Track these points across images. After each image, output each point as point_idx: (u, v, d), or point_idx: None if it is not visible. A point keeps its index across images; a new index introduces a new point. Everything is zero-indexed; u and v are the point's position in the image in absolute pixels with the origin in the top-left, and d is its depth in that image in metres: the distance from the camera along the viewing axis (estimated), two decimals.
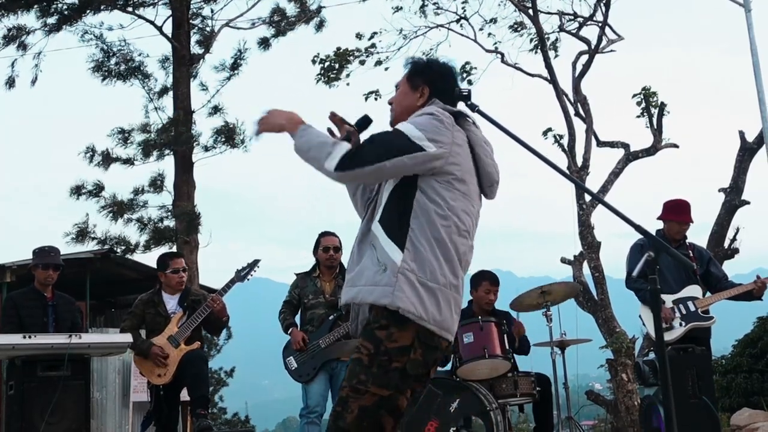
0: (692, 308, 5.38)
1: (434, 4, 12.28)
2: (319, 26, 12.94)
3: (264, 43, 12.77)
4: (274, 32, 12.75)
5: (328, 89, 12.61)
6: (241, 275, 5.62)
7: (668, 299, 5.40)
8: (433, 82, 2.72)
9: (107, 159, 11.80)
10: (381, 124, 2.70)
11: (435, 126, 2.52)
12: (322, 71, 12.35)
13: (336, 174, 2.48)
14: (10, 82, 12.68)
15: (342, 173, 2.47)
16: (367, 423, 2.35)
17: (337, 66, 12.31)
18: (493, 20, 12.35)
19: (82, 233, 11.53)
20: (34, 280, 5.67)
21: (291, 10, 12.81)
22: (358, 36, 12.54)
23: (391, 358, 2.38)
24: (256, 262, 5.67)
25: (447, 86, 2.72)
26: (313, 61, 12.41)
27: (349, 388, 2.38)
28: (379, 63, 12.51)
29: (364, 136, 2.64)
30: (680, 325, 5.34)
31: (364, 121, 2.73)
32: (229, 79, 12.33)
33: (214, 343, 15.19)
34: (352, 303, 2.56)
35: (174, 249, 11.30)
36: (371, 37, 12.47)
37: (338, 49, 12.43)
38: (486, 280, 5.66)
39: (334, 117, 2.72)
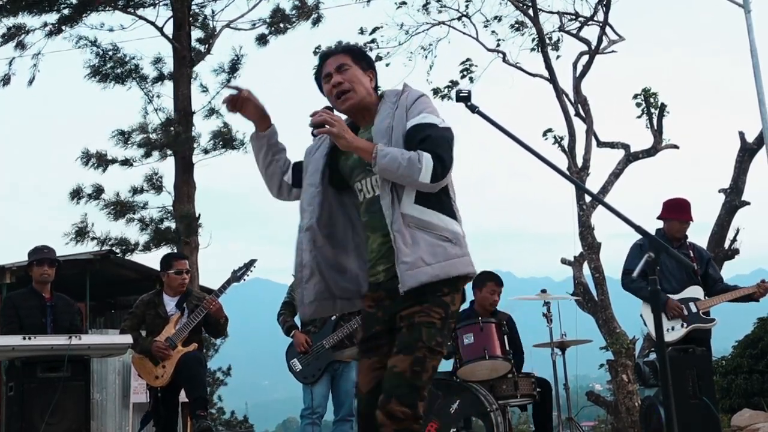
0: (694, 309, 5.37)
1: (439, 3, 12.28)
2: (316, 22, 12.94)
3: (262, 39, 12.77)
4: (274, 31, 12.76)
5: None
6: (237, 275, 5.61)
7: (673, 299, 5.39)
8: (374, 66, 2.88)
9: (104, 161, 11.79)
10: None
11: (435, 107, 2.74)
12: None
13: (431, 185, 2.59)
14: (6, 80, 12.67)
15: (436, 183, 2.59)
16: (430, 380, 2.56)
17: None
18: (497, 18, 12.35)
19: (81, 233, 11.53)
20: (32, 281, 5.67)
21: (290, 7, 12.83)
22: (361, 31, 12.54)
23: (452, 320, 2.62)
24: (252, 262, 5.67)
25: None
26: (315, 53, 12.40)
27: (427, 349, 2.51)
28: (379, 58, 12.51)
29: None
30: (682, 326, 5.34)
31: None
32: (228, 81, 12.33)
33: (212, 343, 15.18)
34: (423, 283, 2.57)
35: (176, 250, 11.30)
36: (373, 32, 12.46)
37: (339, 43, 12.42)
38: (491, 281, 5.66)
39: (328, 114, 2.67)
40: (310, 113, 2.65)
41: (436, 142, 2.60)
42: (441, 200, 2.64)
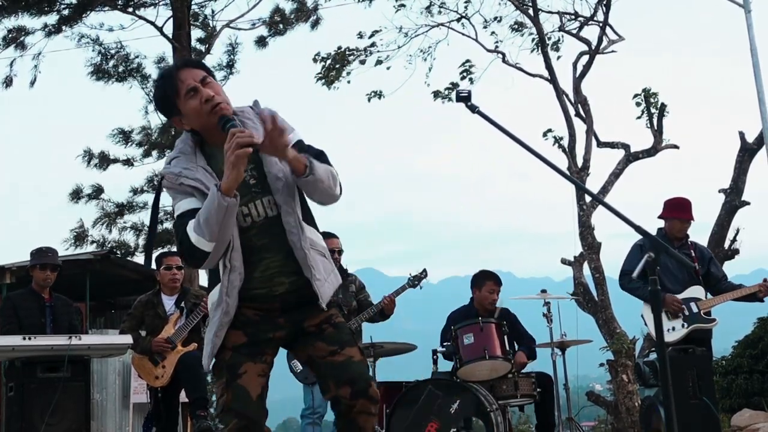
0: (695, 310, 5.37)
1: (441, 5, 12.27)
2: (315, 24, 12.94)
3: (261, 41, 12.78)
4: (273, 32, 12.77)
5: (327, 90, 12.59)
6: None
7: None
8: None
9: (105, 160, 11.81)
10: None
11: None
12: (323, 70, 12.33)
13: (337, 199, 2.68)
14: (8, 82, 12.69)
15: (340, 197, 2.69)
16: None
17: (337, 66, 12.28)
18: (497, 19, 12.34)
19: (80, 237, 11.54)
20: (32, 282, 5.67)
21: (289, 8, 12.83)
22: (360, 35, 12.53)
23: None
24: None
25: None
26: (314, 60, 12.40)
27: (358, 341, 2.80)
28: (379, 62, 12.51)
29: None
30: (683, 326, 5.33)
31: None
32: (226, 78, 12.34)
33: None
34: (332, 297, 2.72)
35: (173, 250, 11.30)
36: (372, 36, 12.46)
37: (339, 48, 12.42)
38: (490, 280, 5.67)
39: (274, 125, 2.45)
40: (234, 137, 2.38)
41: (327, 158, 2.66)
42: (313, 216, 2.72)
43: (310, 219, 2.69)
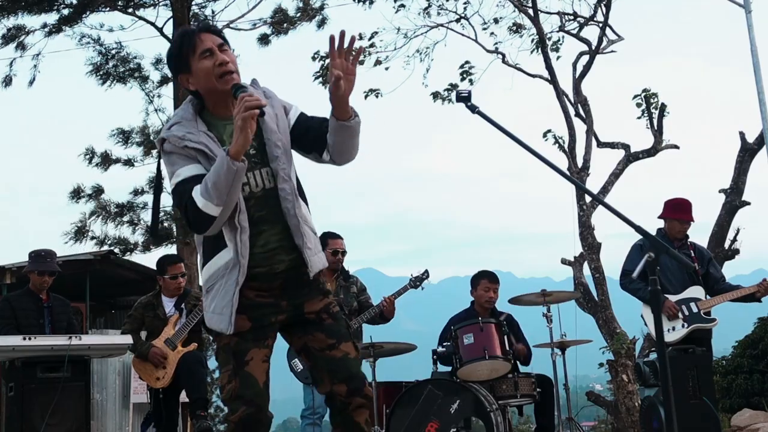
0: (695, 310, 5.38)
1: (439, 6, 12.26)
2: (321, 24, 12.94)
3: (263, 39, 12.78)
4: (275, 31, 12.77)
5: (325, 90, 12.58)
6: None
7: (671, 300, 5.40)
8: None
9: (107, 160, 11.81)
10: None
11: None
12: (322, 69, 12.33)
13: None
14: (7, 81, 12.69)
15: None
16: None
17: None
18: (496, 20, 12.34)
19: (81, 232, 11.53)
20: (29, 282, 5.68)
21: (293, 8, 12.83)
22: (360, 37, 12.53)
23: None
24: None
25: None
26: (313, 58, 12.40)
27: (352, 335, 2.74)
28: (378, 63, 12.51)
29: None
30: (683, 326, 5.34)
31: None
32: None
33: (212, 343, 15.17)
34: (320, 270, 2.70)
35: (175, 250, 11.29)
36: (371, 37, 12.46)
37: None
38: (484, 278, 5.67)
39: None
40: (249, 98, 2.40)
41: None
42: (305, 196, 2.71)
43: (303, 196, 2.68)
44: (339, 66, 2.49)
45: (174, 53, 2.64)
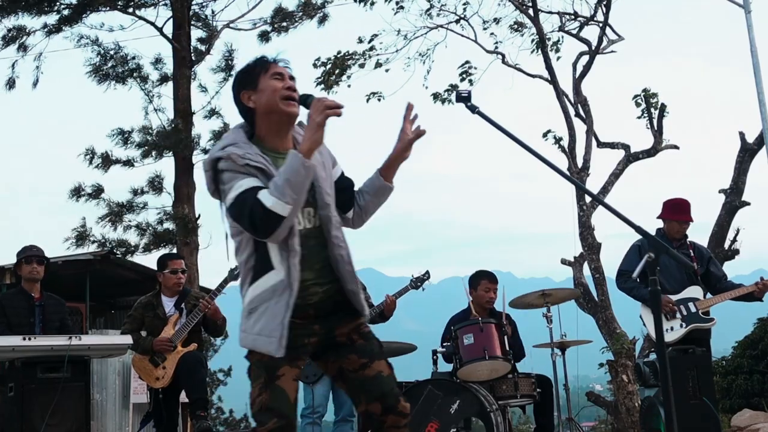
0: (693, 309, 5.37)
1: (440, 7, 12.26)
2: (322, 21, 12.93)
3: (264, 36, 12.77)
4: (276, 29, 12.77)
5: (327, 94, 12.58)
6: (235, 274, 5.60)
7: (669, 298, 5.39)
8: None
9: (107, 160, 11.81)
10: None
11: None
12: (323, 75, 12.33)
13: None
14: (11, 84, 12.70)
15: None
16: None
17: (337, 71, 12.28)
18: (496, 20, 12.34)
19: (82, 237, 11.54)
20: (21, 281, 5.66)
21: (293, 6, 12.83)
22: (360, 40, 12.53)
23: None
24: None
25: None
26: (315, 65, 12.40)
27: (384, 352, 2.76)
28: (379, 65, 12.51)
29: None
30: (681, 326, 5.34)
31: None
32: (225, 80, 12.34)
33: (212, 343, 15.18)
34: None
35: (174, 251, 11.30)
36: (371, 40, 12.46)
37: (338, 53, 12.41)
38: (484, 278, 5.67)
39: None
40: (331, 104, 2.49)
41: None
42: None
43: None
44: (408, 132, 2.67)
45: (245, 70, 2.69)
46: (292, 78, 2.65)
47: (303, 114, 2.60)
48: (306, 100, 2.54)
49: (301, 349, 2.63)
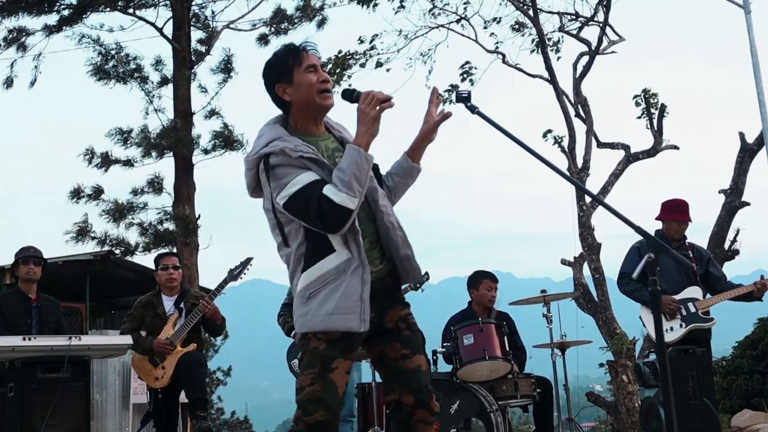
0: (693, 309, 5.37)
1: (442, 6, 12.26)
2: (321, 24, 12.93)
3: (263, 39, 12.77)
4: (275, 31, 12.77)
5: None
6: (234, 274, 5.61)
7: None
8: None
9: (107, 160, 11.81)
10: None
11: None
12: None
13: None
14: (8, 83, 12.69)
15: None
16: None
17: (338, 71, 12.28)
18: (496, 20, 12.34)
19: (82, 232, 11.53)
20: (18, 282, 5.66)
21: (292, 8, 12.82)
22: (361, 40, 12.53)
23: None
24: (248, 260, 5.65)
25: None
26: None
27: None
28: (379, 65, 12.51)
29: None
30: (681, 326, 5.33)
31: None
32: (225, 81, 12.34)
33: (212, 343, 15.18)
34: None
35: (174, 251, 11.29)
36: (372, 40, 12.46)
37: (339, 52, 12.41)
38: (486, 278, 5.68)
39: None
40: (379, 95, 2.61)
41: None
42: None
43: None
44: (433, 114, 2.74)
45: (277, 63, 2.71)
46: (323, 66, 2.73)
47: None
48: (352, 95, 2.62)
49: (354, 339, 2.63)
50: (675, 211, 5.57)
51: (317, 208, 2.50)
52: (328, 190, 2.49)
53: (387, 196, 2.80)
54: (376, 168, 2.79)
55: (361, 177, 2.50)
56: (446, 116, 2.73)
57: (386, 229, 2.67)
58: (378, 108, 2.54)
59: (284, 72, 2.67)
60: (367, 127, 2.54)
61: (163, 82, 12.39)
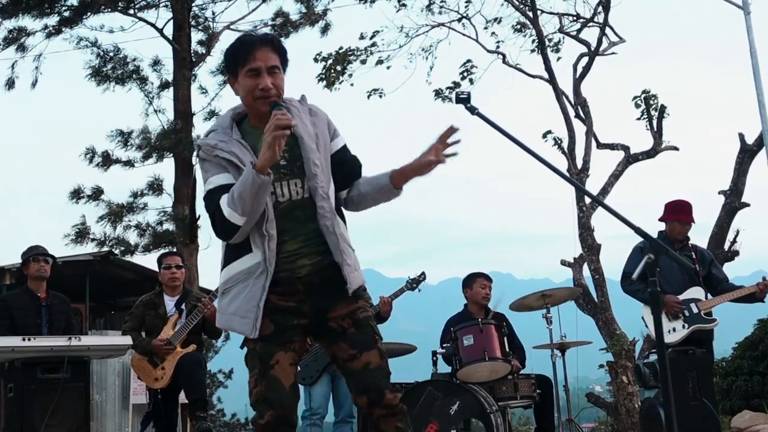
0: (695, 310, 5.37)
1: (441, 3, 12.27)
2: (325, 30, 12.95)
3: None
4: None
5: (329, 92, 12.59)
6: None
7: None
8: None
9: (107, 161, 11.81)
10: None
11: None
12: (324, 71, 12.33)
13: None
14: (10, 84, 12.71)
15: None
16: None
17: (338, 68, 12.28)
18: (497, 20, 12.35)
19: (81, 234, 11.54)
20: (27, 281, 5.65)
21: (295, 12, 12.83)
22: (362, 37, 12.54)
23: None
24: None
25: None
26: (315, 60, 12.40)
27: (380, 339, 2.71)
28: (380, 62, 12.51)
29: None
30: (683, 327, 5.33)
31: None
32: (225, 82, 12.34)
33: (212, 344, 15.17)
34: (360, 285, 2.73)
35: (174, 251, 11.29)
36: (373, 36, 12.46)
37: (340, 48, 12.41)
38: (480, 277, 5.73)
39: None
40: (277, 114, 2.49)
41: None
42: (344, 214, 2.78)
43: (341, 214, 2.76)
44: (438, 152, 2.63)
45: (228, 57, 2.70)
46: (272, 69, 2.60)
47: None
48: (272, 108, 2.54)
49: (291, 331, 2.61)
50: (678, 212, 5.57)
51: (212, 215, 2.58)
52: (222, 201, 2.54)
53: (348, 199, 2.77)
54: (344, 165, 2.72)
55: (246, 197, 2.46)
56: (442, 161, 2.64)
57: (322, 232, 2.63)
58: (272, 136, 2.43)
59: (232, 67, 2.67)
60: (264, 150, 2.46)
61: (164, 86, 12.39)
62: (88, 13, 12.23)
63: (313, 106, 2.77)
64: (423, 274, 5.67)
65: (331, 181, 2.69)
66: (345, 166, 2.75)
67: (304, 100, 2.76)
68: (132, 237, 11.84)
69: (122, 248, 11.67)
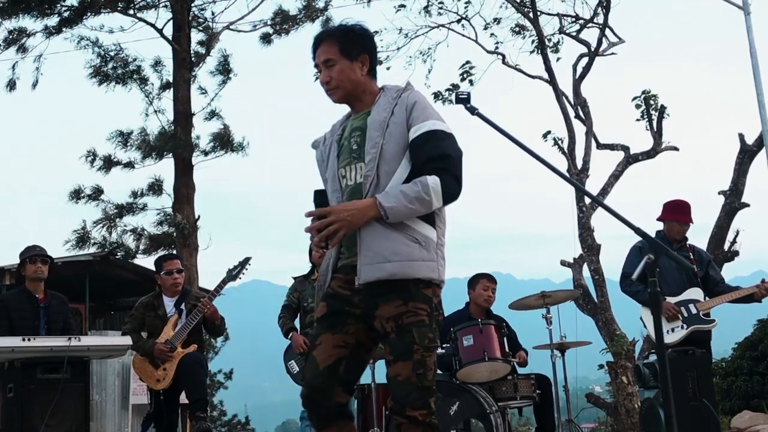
0: (694, 311, 5.37)
1: (439, 4, 12.28)
2: (326, 24, 12.94)
3: (265, 38, 12.78)
4: (277, 31, 12.77)
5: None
6: (233, 274, 5.60)
7: (670, 301, 5.39)
8: (370, 48, 2.86)
9: (108, 163, 11.82)
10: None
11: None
12: None
13: (444, 205, 2.68)
14: (11, 85, 12.72)
15: (451, 202, 2.67)
16: (435, 374, 2.65)
17: None
18: (497, 20, 12.36)
19: (82, 239, 11.56)
20: (25, 282, 5.64)
21: (295, 8, 12.84)
22: None
23: (437, 313, 2.66)
24: (247, 260, 5.64)
25: (376, 48, 2.94)
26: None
27: (423, 349, 2.57)
28: (379, 63, 12.51)
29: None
30: (682, 327, 5.33)
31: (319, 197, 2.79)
32: (224, 82, 12.35)
33: (213, 345, 15.18)
34: (380, 279, 2.60)
35: (174, 252, 11.29)
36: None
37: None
38: (483, 278, 5.69)
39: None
40: (307, 230, 2.66)
41: (455, 163, 2.65)
42: None
43: None
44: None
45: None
46: (328, 62, 2.77)
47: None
48: (314, 201, 2.76)
49: (342, 315, 2.67)
50: (677, 212, 5.57)
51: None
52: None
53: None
54: (418, 147, 2.66)
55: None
56: None
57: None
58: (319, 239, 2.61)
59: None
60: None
61: (165, 87, 12.39)
62: (88, 14, 12.23)
63: (408, 92, 2.81)
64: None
65: (399, 170, 2.63)
66: (415, 156, 2.65)
67: (410, 86, 2.87)
68: (129, 241, 11.85)
69: (123, 252, 11.68)
